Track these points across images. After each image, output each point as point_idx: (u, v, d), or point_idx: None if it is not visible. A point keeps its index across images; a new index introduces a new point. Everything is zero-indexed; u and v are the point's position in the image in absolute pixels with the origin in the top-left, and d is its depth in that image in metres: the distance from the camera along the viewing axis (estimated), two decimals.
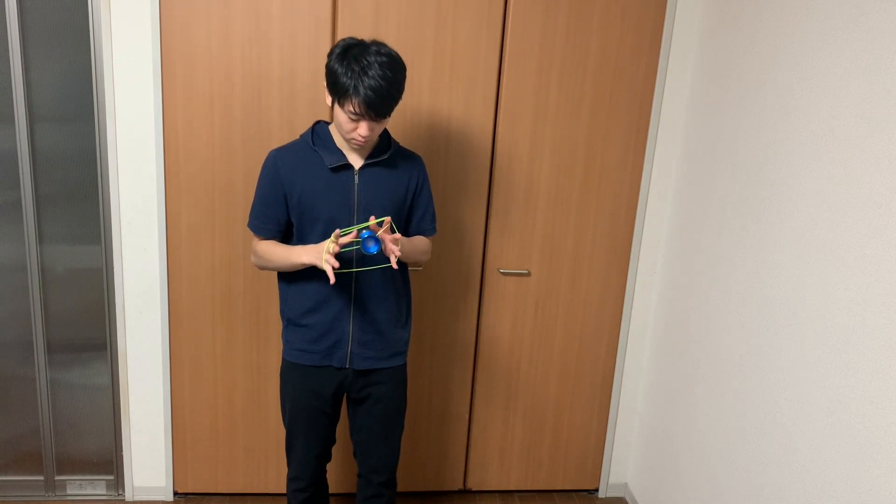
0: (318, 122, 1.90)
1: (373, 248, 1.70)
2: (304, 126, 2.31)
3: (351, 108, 1.69)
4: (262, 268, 1.94)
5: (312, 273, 1.86)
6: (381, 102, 1.68)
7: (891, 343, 1.47)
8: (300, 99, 2.30)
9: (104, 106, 2.28)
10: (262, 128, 2.31)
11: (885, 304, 1.49)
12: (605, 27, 2.35)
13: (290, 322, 1.93)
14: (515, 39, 2.33)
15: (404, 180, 1.91)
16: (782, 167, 1.88)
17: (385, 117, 1.74)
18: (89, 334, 2.51)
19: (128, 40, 2.24)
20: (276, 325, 2.49)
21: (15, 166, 2.32)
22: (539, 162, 2.45)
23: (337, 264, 1.68)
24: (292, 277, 1.90)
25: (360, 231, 1.75)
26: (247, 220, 2.36)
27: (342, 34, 2.26)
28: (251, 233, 2.36)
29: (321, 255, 1.73)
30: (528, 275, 2.56)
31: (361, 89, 1.65)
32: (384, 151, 1.87)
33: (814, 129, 1.75)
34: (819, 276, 1.71)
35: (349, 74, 1.66)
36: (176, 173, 2.33)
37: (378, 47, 1.70)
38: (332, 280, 1.67)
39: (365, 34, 2.24)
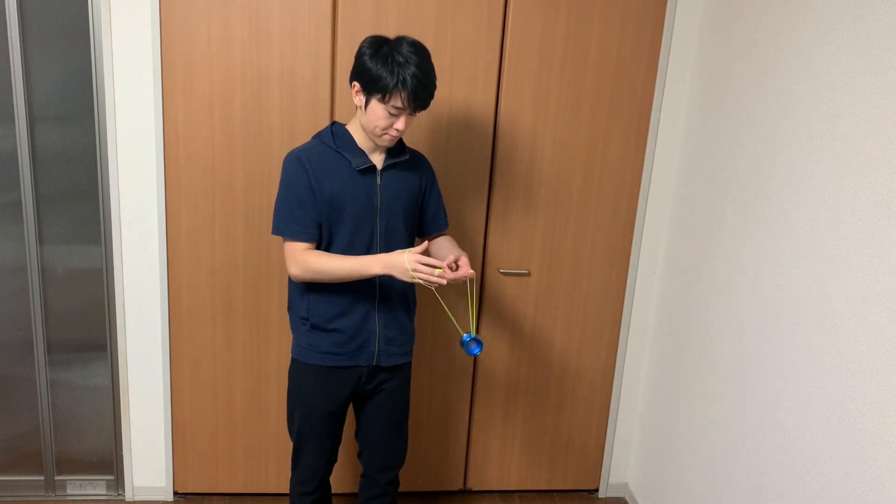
0: (334, 124, 1.90)
1: (476, 350, 1.82)
2: (304, 125, 2.31)
3: (397, 103, 1.71)
4: (315, 280, 1.84)
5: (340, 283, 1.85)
6: (426, 93, 1.73)
7: (891, 343, 1.47)
8: (300, 98, 2.30)
9: (104, 106, 2.28)
10: (263, 127, 2.31)
11: (885, 304, 1.49)
12: (605, 27, 2.35)
13: (316, 327, 1.89)
14: (515, 39, 2.33)
15: (418, 180, 1.95)
16: (782, 167, 1.88)
17: (426, 108, 1.77)
18: (89, 334, 2.51)
19: (128, 40, 2.24)
20: (276, 325, 2.49)
21: (15, 166, 2.32)
22: (539, 162, 2.45)
23: (447, 278, 1.70)
24: (320, 286, 1.86)
25: (461, 339, 1.85)
26: (247, 221, 2.38)
27: (342, 33, 2.26)
28: (254, 235, 2.40)
29: (400, 268, 1.73)
30: (528, 275, 2.56)
31: (409, 82, 1.68)
32: (400, 152, 1.90)
33: (814, 129, 1.75)
34: (819, 276, 1.71)
35: (394, 70, 1.67)
36: (176, 173, 2.33)
37: (405, 39, 1.73)
38: (442, 282, 1.70)
39: (365, 33, 2.23)
